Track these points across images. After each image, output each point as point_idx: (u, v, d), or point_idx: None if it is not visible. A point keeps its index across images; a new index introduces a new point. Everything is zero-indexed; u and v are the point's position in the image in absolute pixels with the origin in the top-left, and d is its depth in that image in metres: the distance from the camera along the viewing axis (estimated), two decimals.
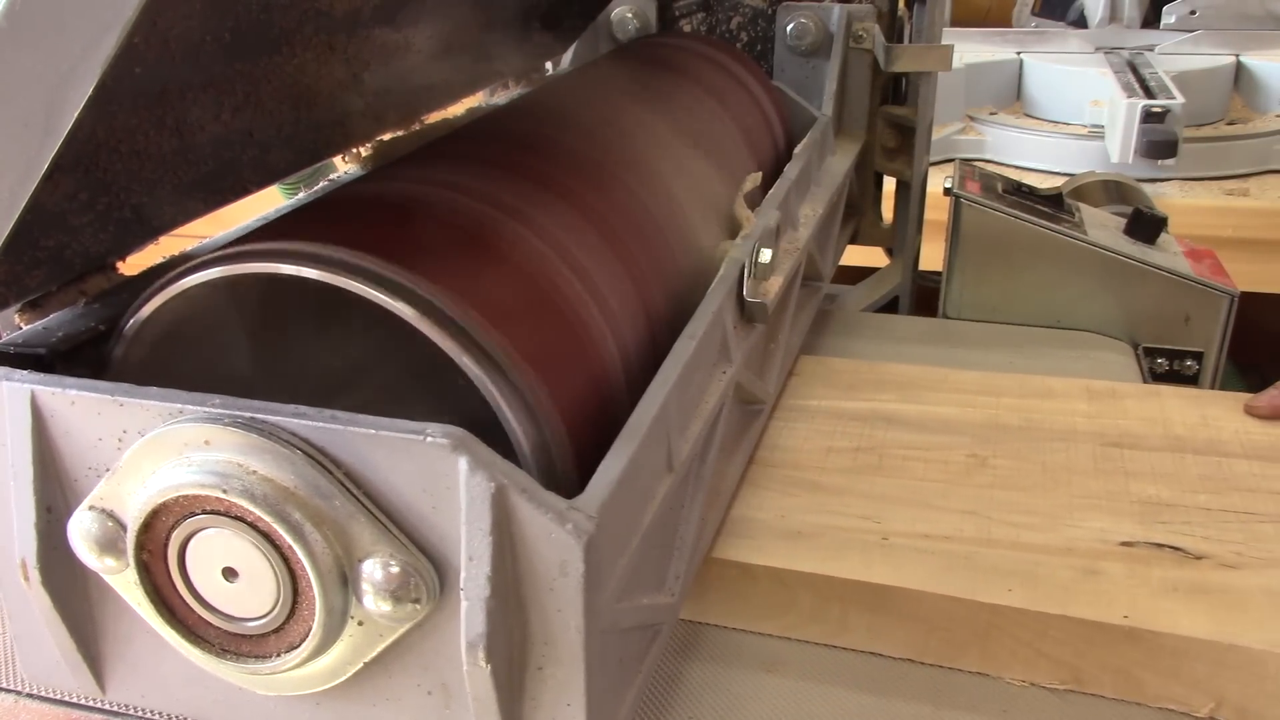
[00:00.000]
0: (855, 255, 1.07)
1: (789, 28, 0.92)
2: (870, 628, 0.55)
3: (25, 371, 0.42)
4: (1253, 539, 0.58)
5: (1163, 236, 0.93)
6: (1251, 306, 0.93)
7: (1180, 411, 0.72)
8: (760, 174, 0.71)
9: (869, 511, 0.60)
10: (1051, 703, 0.52)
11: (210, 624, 0.42)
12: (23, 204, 0.38)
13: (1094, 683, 0.53)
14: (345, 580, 0.39)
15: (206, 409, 0.39)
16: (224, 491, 0.38)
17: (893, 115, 0.99)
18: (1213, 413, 0.72)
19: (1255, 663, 0.50)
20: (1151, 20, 1.79)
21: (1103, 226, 0.93)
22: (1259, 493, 0.62)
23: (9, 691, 0.53)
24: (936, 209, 0.97)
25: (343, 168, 0.72)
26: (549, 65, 0.97)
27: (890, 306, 1.02)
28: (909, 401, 0.73)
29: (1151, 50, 1.64)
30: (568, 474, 0.45)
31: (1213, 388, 0.89)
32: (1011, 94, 1.58)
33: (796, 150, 0.78)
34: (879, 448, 0.67)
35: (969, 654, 0.54)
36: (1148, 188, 1.14)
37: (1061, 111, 1.50)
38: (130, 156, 0.50)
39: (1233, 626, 0.51)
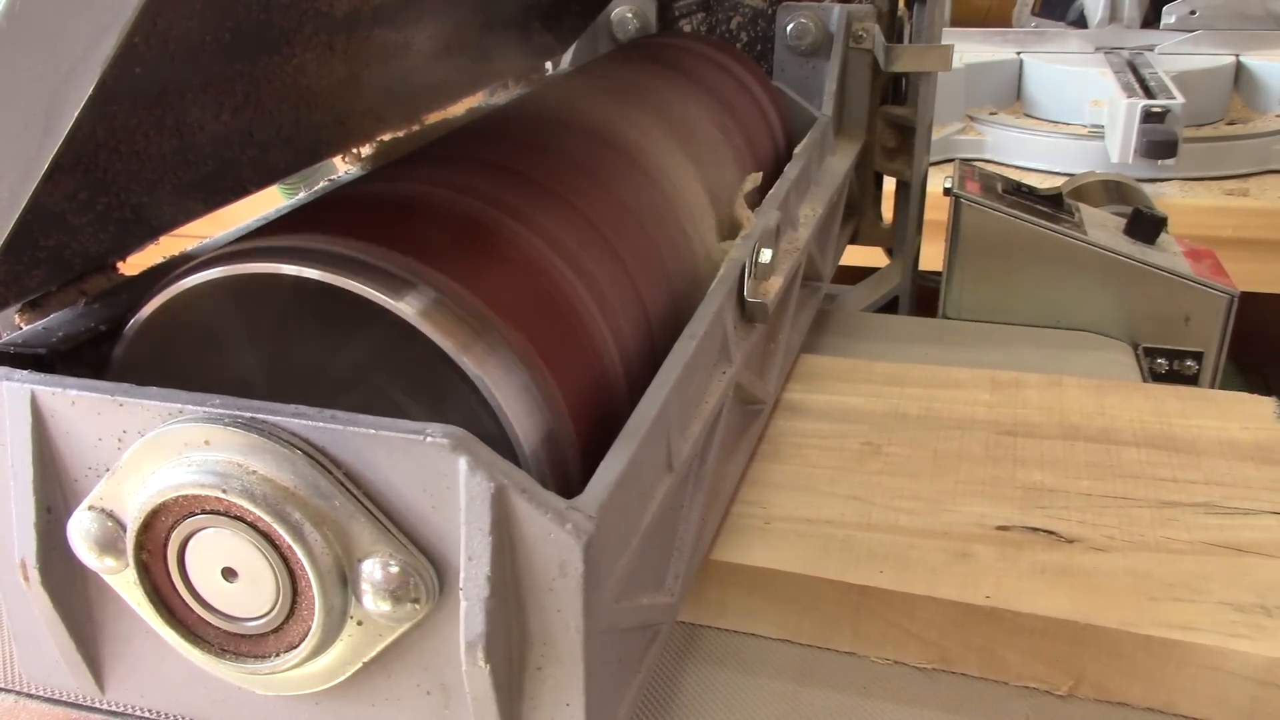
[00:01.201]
0: (855, 255, 1.07)
1: (789, 28, 0.92)
2: (747, 609, 0.56)
3: (25, 371, 0.42)
4: (1127, 523, 0.59)
5: (1163, 236, 0.93)
6: (1251, 306, 0.93)
7: (1079, 401, 0.73)
8: (760, 174, 0.71)
9: (755, 497, 0.61)
10: (917, 681, 0.54)
11: (210, 624, 0.42)
12: (23, 204, 0.38)
13: (960, 662, 0.54)
14: (345, 580, 0.39)
15: (206, 409, 0.39)
16: (224, 491, 0.38)
17: (893, 115, 0.99)
18: (1111, 402, 0.73)
19: (1111, 641, 0.51)
20: (1151, 20, 1.80)
21: (1103, 226, 0.93)
22: (1142, 479, 0.64)
23: (9, 691, 0.53)
24: (936, 209, 0.97)
25: (343, 168, 0.72)
26: (549, 65, 0.97)
27: (890, 306, 1.02)
28: (816, 391, 0.74)
29: (1151, 50, 1.64)
30: (567, 474, 0.45)
31: (1213, 387, 0.89)
32: (1011, 94, 1.58)
33: (796, 150, 0.78)
34: (777, 436, 0.68)
35: (841, 634, 0.55)
36: (1148, 188, 1.14)
37: (1061, 111, 1.50)
38: (130, 156, 0.50)
39: (1091, 606, 0.52)
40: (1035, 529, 0.59)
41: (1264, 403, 0.73)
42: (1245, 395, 0.74)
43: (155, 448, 0.40)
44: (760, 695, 0.53)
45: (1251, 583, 0.54)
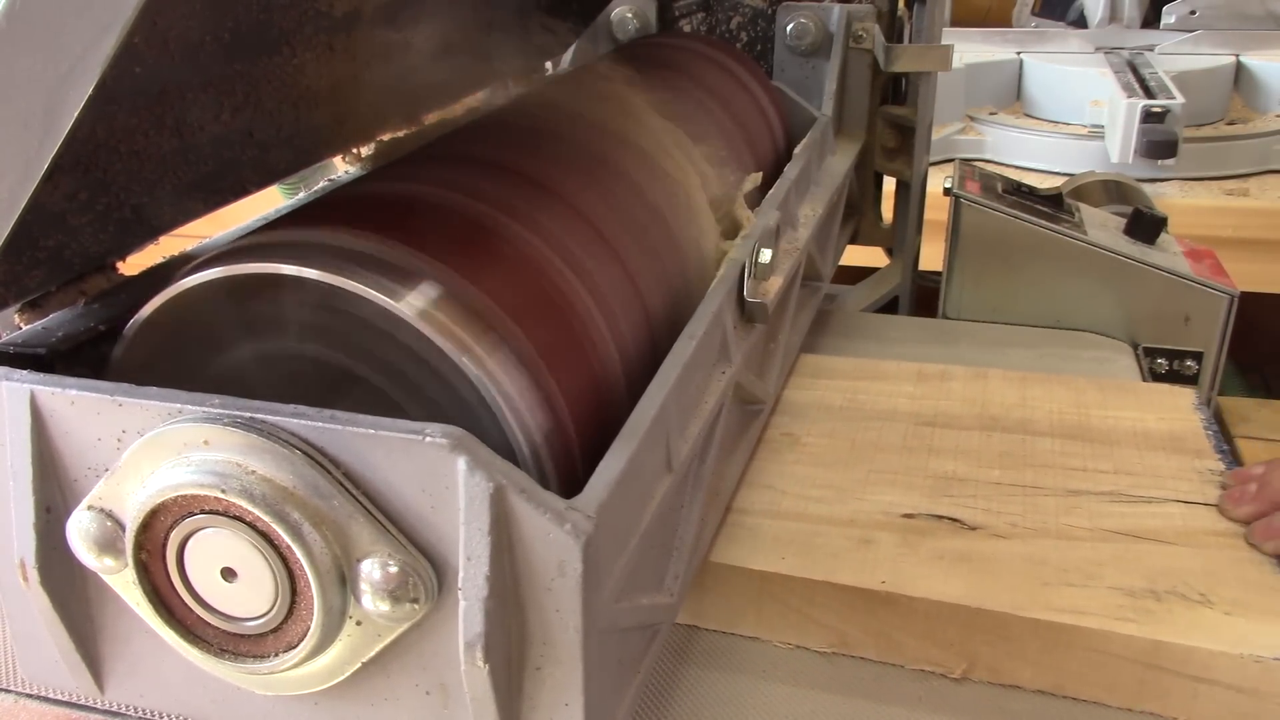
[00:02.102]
0: (855, 255, 1.07)
1: (789, 28, 0.92)
2: None
3: (25, 371, 0.42)
4: (1031, 511, 0.61)
5: (1163, 236, 0.93)
6: (1251, 306, 0.93)
7: (1001, 393, 0.74)
8: (760, 174, 0.71)
9: None
10: (816, 664, 0.55)
11: (209, 624, 0.42)
12: (23, 204, 0.38)
13: (859, 646, 0.55)
14: (344, 580, 0.39)
15: (205, 409, 0.39)
16: (223, 491, 0.38)
17: (893, 115, 0.99)
18: (1033, 394, 0.74)
19: (1001, 625, 0.53)
20: (1151, 20, 1.79)
21: (1103, 226, 0.93)
22: (1052, 468, 0.65)
23: (9, 692, 0.53)
24: (936, 209, 0.97)
25: (342, 168, 0.72)
26: (549, 65, 0.97)
27: (890, 306, 1.02)
28: None
29: (1151, 50, 1.64)
30: (567, 474, 0.45)
31: (1213, 387, 0.89)
32: (1011, 94, 1.58)
33: (796, 150, 0.78)
34: None
35: (745, 619, 0.56)
36: (1148, 188, 1.14)
37: (1061, 111, 1.50)
38: (130, 156, 0.50)
39: (984, 591, 0.54)
40: (940, 517, 0.60)
41: (1183, 394, 0.74)
42: (1167, 387, 0.76)
43: (154, 448, 0.40)
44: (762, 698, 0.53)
45: (1145, 569, 0.56)
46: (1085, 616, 0.52)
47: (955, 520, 0.60)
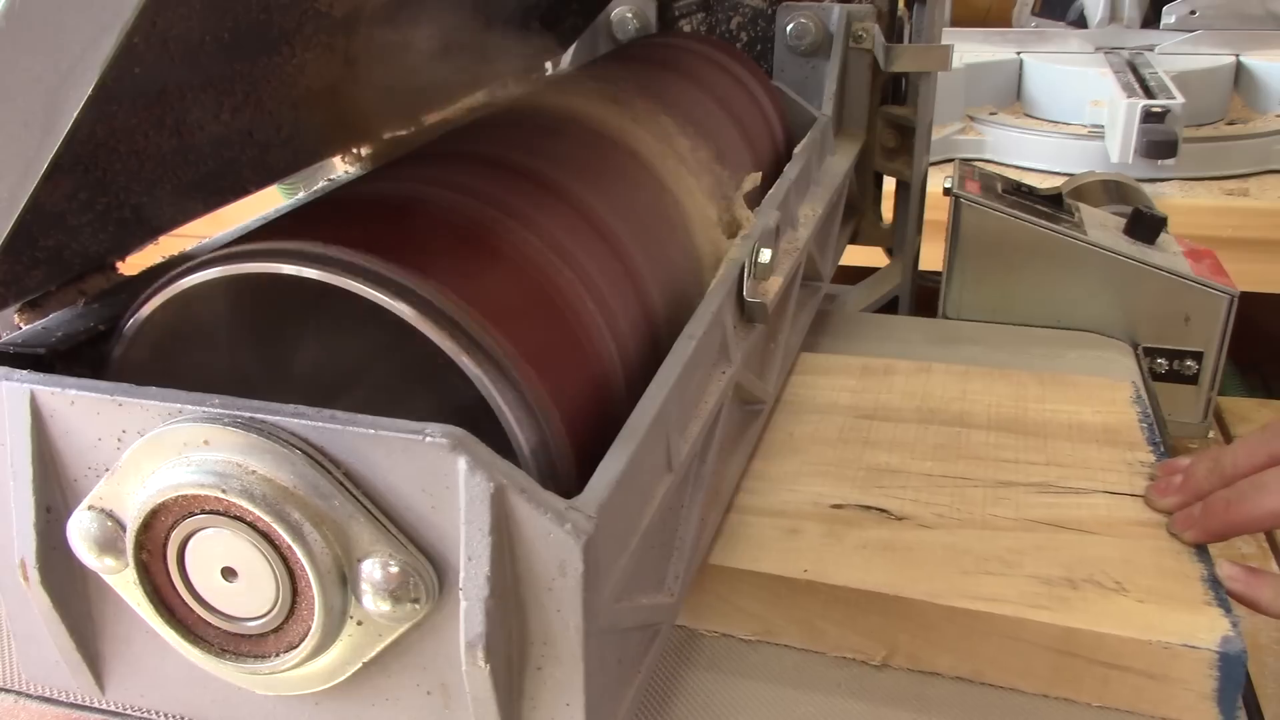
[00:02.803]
0: (855, 255, 1.07)
1: (789, 28, 0.92)
2: None
3: (25, 371, 0.42)
4: (960, 502, 0.61)
5: (1163, 236, 0.93)
6: (1251, 306, 0.93)
7: (942, 387, 0.75)
8: (760, 174, 0.71)
9: None
10: (740, 651, 0.56)
11: (209, 624, 0.42)
12: (22, 204, 0.38)
13: (783, 634, 0.56)
14: (344, 580, 0.39)
15: (205, 409, 0.39)
16: (223, 491, 0.38)
17: (892, 115, 0.99)
18: (973, 387, 0.75)
19: (919, 613, 0.53)
20: (1151, 20, 1.79)
21: (1103, 226, 0.93)
22: (985, 460, 0.66)
23: (9, 691, 0.53)
24: (936, 209, 0.97)
25: (342, 168, 0.72)
26: (549, 65, 0.97)
27: (890, 306, 1.02)
28: None
29: (1151, 50, 1.64)
30: (567, 474, 0.45)
31: (1212, 388, 0.89)
32: (1011, 94, 1.58)
33: (796, 150, 0.78)
34: None
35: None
36: (1148, 188, 1.14)
37: (1061, 111, 1.50)
38: (130, 156, 0.50)
39: (904, 580, 0.55)
40: (869, 507, 0.61)
41: (1122, 388, 0.75)
42: (1106, 381, 0.76)
43: (155, 447, 0.40)
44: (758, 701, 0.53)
45: (1065, 558, 0.56)
46: (1001, 604, 0.53)
47: (883, 511, 0.61)
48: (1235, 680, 0.50)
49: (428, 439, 0.37)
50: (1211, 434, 0.93)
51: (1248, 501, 0.55)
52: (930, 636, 0.54)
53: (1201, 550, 0.57)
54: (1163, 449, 0.67)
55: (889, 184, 1.04)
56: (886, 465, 0.65)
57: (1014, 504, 0.61)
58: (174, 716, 0.49)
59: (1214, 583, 0.54)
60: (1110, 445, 0.67)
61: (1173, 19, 1.73)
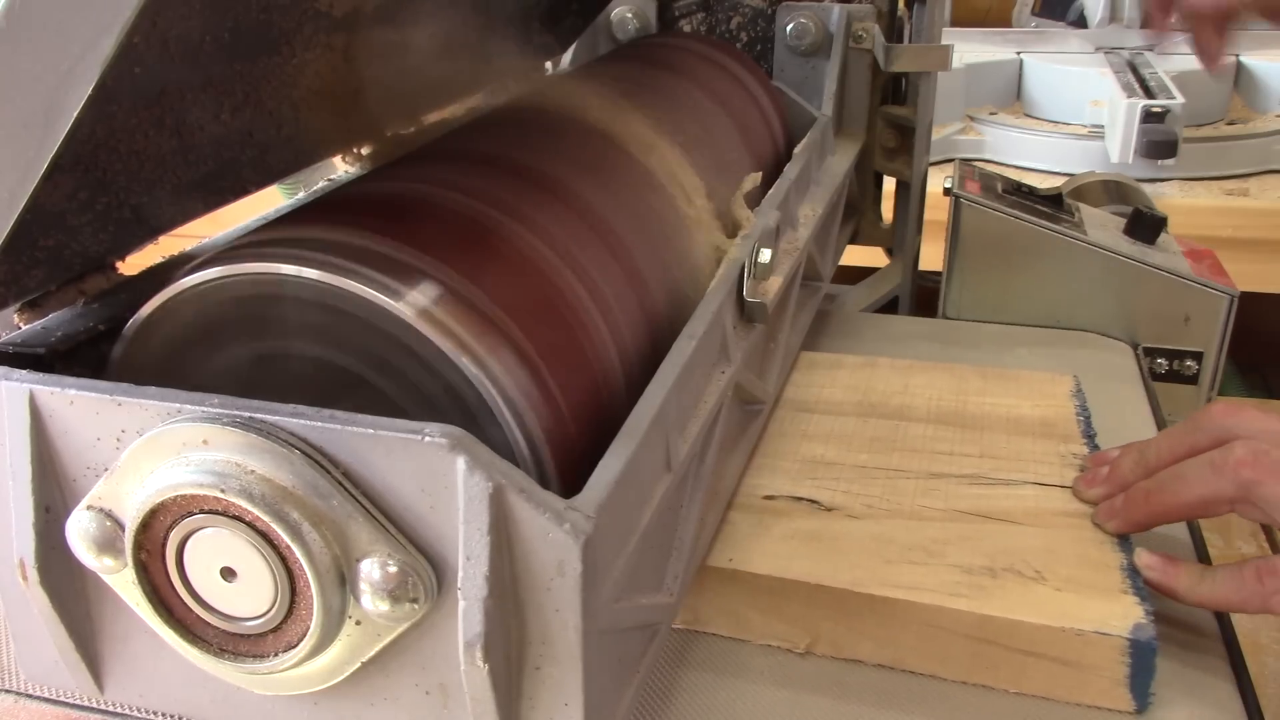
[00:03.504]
0: (855, 255, 1.07)
1: (789, 28, 0.92)
2: None
3: (24, 371, 0.42)
4: (890, 493, 0.62)
5: (1163, 236, 0.93)
6: (1251, 306, 0.93)
7: (885, 381, 0.76)
8: (760, 174, 0.71)
9: None
10: (671, 640, 0.56)
11: (208, 623, 0.42)
12: (22, 203, 0.38)
13: (710, 623, 0.57)
14: (343, 580, 0.39)
15: (204, 408, 0.39)
16: (222, 491, 0.38)
17: (892, 115, 0.99)
18: (916, 381, 0.76)
19: (840, 601, 0.54)
20: None
21: (1103, 226, 0.93)
22: (920, 453, 0.66)
23: (8, 692, 0.53)
24: (936, 209, 0.97)
25: (342, 168, 0.72)
26: (549, 65, 0.97)
27: (890, 307, 1.02)
28: None
29: (1151, 50, 1.64)
30: (566, 474, 0.45)
31: (1213, 387, 0.89)
32: (1011, 94, 1.58)
33: (796, 150, 0.78)
34: None
35: None
36: (1148, 188, 1.14)
37: (1061, 111, 1.50)
38: (130, 156, 0.50)
39: (828, 568, 0.55)
40: (800, 498, 0.62)
41: (1063, 382, 0.75)
42: (1049, 375, 0.76)
43: (154, 447, 0.40)
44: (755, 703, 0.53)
45: (988, 547, 0.57)
46: (920, 592, 0.53)
47: (813, 501, 0.61)
48: (1146, 666, 0.51)
49: (426, 439, 0.37)
50: None
51: (1167, 491, 0.56)
52: (852, 624, 0.54)
53: (1124, 540, 0.57)
54: (1096, 442, 0.67)
55: (889, 184, 1.04)
56: (822, 457, 0.66)
57: (943, 495, 0.62)
58: (172, 716, 0.49)
59: (1133, 572, 0.55)
60: (1045, 438, 0.68)
61: (1173, 19, 1.73)
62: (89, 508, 0.41)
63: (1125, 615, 0.52)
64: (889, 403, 0.72)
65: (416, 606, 0.39)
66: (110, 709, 0.50)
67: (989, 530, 0.58)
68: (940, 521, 0.59)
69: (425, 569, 0.38)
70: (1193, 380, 0.89)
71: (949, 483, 0.63)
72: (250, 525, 0.39)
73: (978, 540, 0.57)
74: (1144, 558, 0.55)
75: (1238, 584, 0.52)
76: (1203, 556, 0.62)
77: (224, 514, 0.39)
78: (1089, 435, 0.68)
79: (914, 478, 0.64)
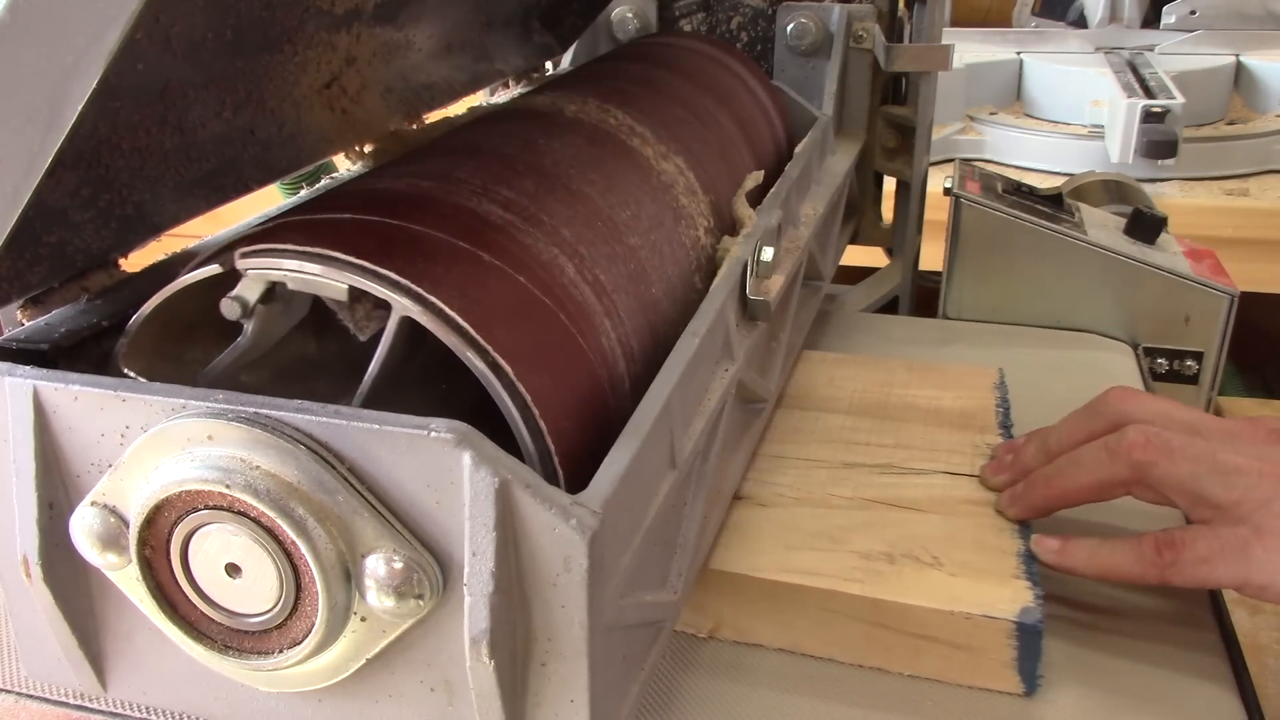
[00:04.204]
0: (855, 255, 1.07)
1: (789, 28, 0.92)
2: None
3: (28, 367, 0.42)
4: (802, 482, 0.63)
5: (1163, 236, 0.93)
6: (1251, 306, 0.93)
7: (812, 374, 0.77)
8: (762, 173, 0.71)
9: None
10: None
11: (213, 620, 0.42)
12: (25, 200, 0.38)
13: None
14: (348, 576, 0.39)
15: (209, 404, 0.39)
16: (227, 487, 0.38)
17: (893, 115, 0.99)
18: (842, 374, 0.76)
19: (740, 586, 0.55)
20: (1151, 20, 1.80)
21: (1103, 226, 0.93)
22: (836, 443, 0.67)
23: (9, 692, 0.53)
24: (936, 209, 0.97)
25: (344, 166, 0.72)
26: (549, 65, 0.97)
27: (890, 307, 1.02)
28: None
29: (1151, 50, 1.64)
30: (572, 470, 0.45)
31: (1213, 387, 0.89)
32: (1011, 94, 1.58)
33: (798, 150, 0.78)
34: None
35: None
36: (1148, 188, 1.14)
37: (1061, 111, 1.50)
38: (132, 153, 0.50)
39: (730, 555, 0.56)
40: None
41: (988, 374, 0.76)
42: (974, 367, 0.77)
43: (158, 443, 0.40)
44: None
45: (891, 535, 0.58)
46: (817, 578, 0.54)
47: None
48: (1033, 649, 0.52)
49: (432, 434, 0.37)
50: None
51: (1064, 476, 0.57)
52: (752, 610, 0.55)
53: (1025, 527, 0.58)
54: (1012, 432, 0.68)
55: (889, 184, 1.04)
56: None
57: (854, 484, 0.63)
58: (176, 714, 0.49)
59: (1028, 557, 0.56)
60: (962, 429, 0.69)
61: (1173, 19, 1.73)
62: (93, 504, 0.41)
63: (1014, 599, 0.53)
64: (813, 395, 0.73)
65: (422, 603, 0.39)
66: (112, 708, 0.50)
67: (894, 518, 0.59)
68: (847, 509, 0.60)
69: (431, 565, 0.38)
70: (1193, 380, 0.89)
71: (861, 472, 0.64)
72: (255, 521, 0.39)
73: (881, 528, 0.58)
74: (1040, 543, 0.56)
75: (1136, 555, 0.53)
76: None
77: (229, 510, 0.39)
78: (1005, 426, 0.69)
79: (827, 467, 0.64)
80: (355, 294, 0.42)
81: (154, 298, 0.45)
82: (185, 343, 0.48)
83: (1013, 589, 0.53)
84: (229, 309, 0.41)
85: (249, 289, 0.42)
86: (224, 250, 0.44)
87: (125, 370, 0.45)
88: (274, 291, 0.43)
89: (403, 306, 0.41)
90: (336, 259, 0.42)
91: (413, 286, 0.42)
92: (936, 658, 0.53)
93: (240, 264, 0.43)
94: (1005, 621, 0.51)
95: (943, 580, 0.54)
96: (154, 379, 0.41)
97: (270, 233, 0.45)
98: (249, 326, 0.43)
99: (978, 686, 0.53)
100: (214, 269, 0.43)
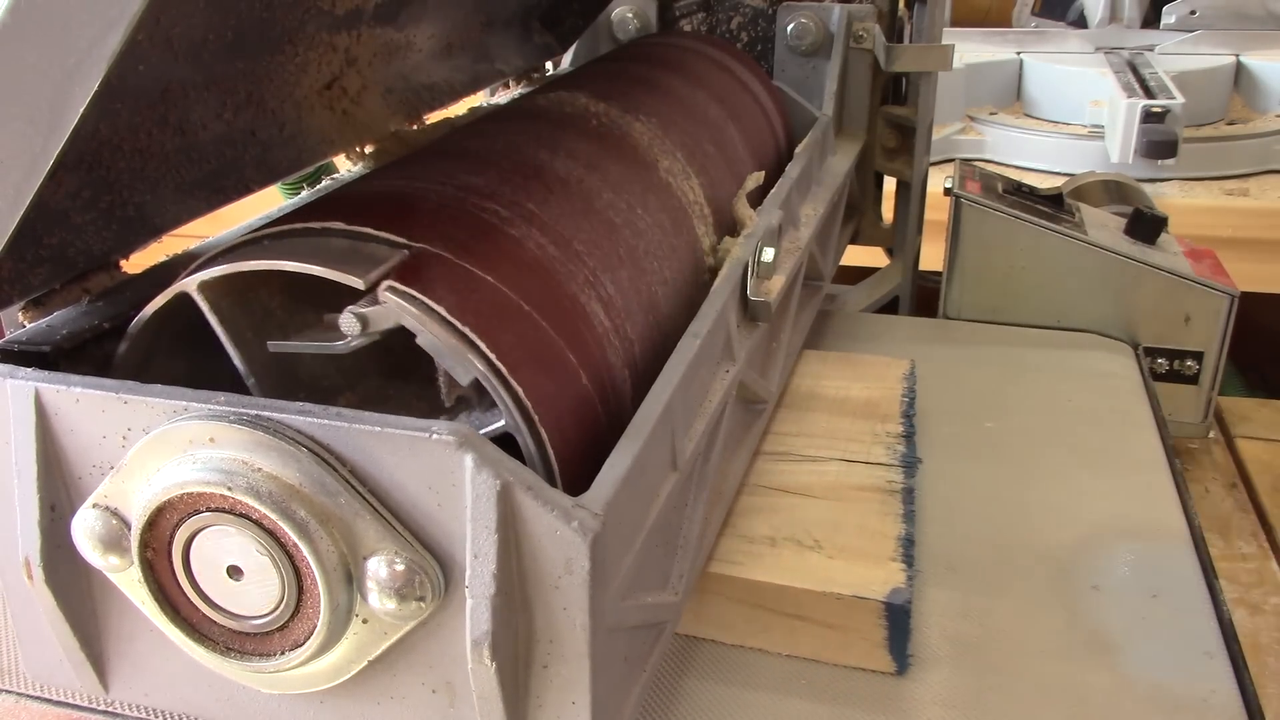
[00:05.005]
0: (855, 255, 1.07)
1: (789, 28, 0.92)
2: None
3: (29, 369, 0.42)
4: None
5: (1163, 236, 0.93)
6: (1251, 306, 0.93)
7: None
8: (762, 174, 0.71)
9: None
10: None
11: (214, 622, 0.42)
12: (27, 201, 0.38)
13: None
14: (350, 578, 0.39)
15: (211, 406, 0.39)
16: (229, 489, 0.38)
17: (893, 115, 0.99)
18: None
19: None
20: (1151, 20, 1.80)
21: (1103, 226, 0.93)
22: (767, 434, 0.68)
23: (9, 692, 0.53)
24: (936, 209, 0.97)
25: (344, 166, 0.72)
26: (549, 65, 0.97)
27: (890, 307, 1.02)
28: None
29: (1151, 50, 1.64)
30: (573, 472, 0.45)
31: (1213, 387, 0.89)
32: (1011, 94, 1.58)
33: (798, 150, 0.78)
34: None
35: None
36: (1148, 188, 1.14)
37: (1061, 111, 1.50)
38: (133, 155, 0.50)
39: None
40: None
41: (898, 365, 0.76)
42: (888, 359, 0.78)
43: (160, 445, 0.40)
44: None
45: (779, 520, 0.59)
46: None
47: None
48: (902, 629, 0.53)
49: (434, 436, 0.37)
50: (1212, 434, 0.93)
51: None
52: None
53: (909, 512, 0.60)
54: (913, 421, 0.69)
55: (889, 184, 1.04)
56: None
57: (752, 471, 0.64)
58: (178, 715, 0.49)
59: (906, 541, 0.57)
60: (865, 418, 0.70)
61: (1173, 19, 1.73)
62: (94, 506, 0.41)
63: (886, 581, 0.54)
64: None
65: (424, 605, 0.39)
66: (113, 709, 0.50)
67: (784, 504, 0.60)
68: (742, 496, 0.61)
69: (433, 567, 0.38)
70: (1193, 380, 0.89)
71: (760, 460, 0.65)
72: (257, 523, 0.38)
73: (770, 513, 0.59)
74: None
75: None
76: (1203, 556, 0.62)
77: (230, 512, 0.39)
78: (908, 415, 0.70)
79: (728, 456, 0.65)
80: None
81: (155, 300, 0.45)
82: (187, 344, 0.48)
83: (887, 571, 0.55)
84: (348, 324, 0.40)
85: (380, 319, 0.41)
86: (225, 252, 0.44)
87: (125, 372, 0.45)
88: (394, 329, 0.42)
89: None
90: (336, 260, 0.42)
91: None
92: (812, 638, 0.54)
93: (385, 295, 0.41)
94: (874, 602, 0.53)
95: (820, 563, 0.55)
96: (155, 381, 0.41)
97: (270, 233, 0.45)
98: (352, 343, 0.42)
99: (852, 666, 0.54)
100: (214, 271, 0.43)
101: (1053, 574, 0.61)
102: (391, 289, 0.41)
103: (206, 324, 0.46)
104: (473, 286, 0.44)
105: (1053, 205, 0.94)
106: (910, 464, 0.65)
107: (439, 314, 0.41)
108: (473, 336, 0.41)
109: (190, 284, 0.44)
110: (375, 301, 0.41)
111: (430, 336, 0.41)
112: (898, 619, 0.53)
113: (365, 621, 0.40)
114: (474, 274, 0.45)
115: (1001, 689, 0.53)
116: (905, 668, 0.54)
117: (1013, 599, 0.58)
